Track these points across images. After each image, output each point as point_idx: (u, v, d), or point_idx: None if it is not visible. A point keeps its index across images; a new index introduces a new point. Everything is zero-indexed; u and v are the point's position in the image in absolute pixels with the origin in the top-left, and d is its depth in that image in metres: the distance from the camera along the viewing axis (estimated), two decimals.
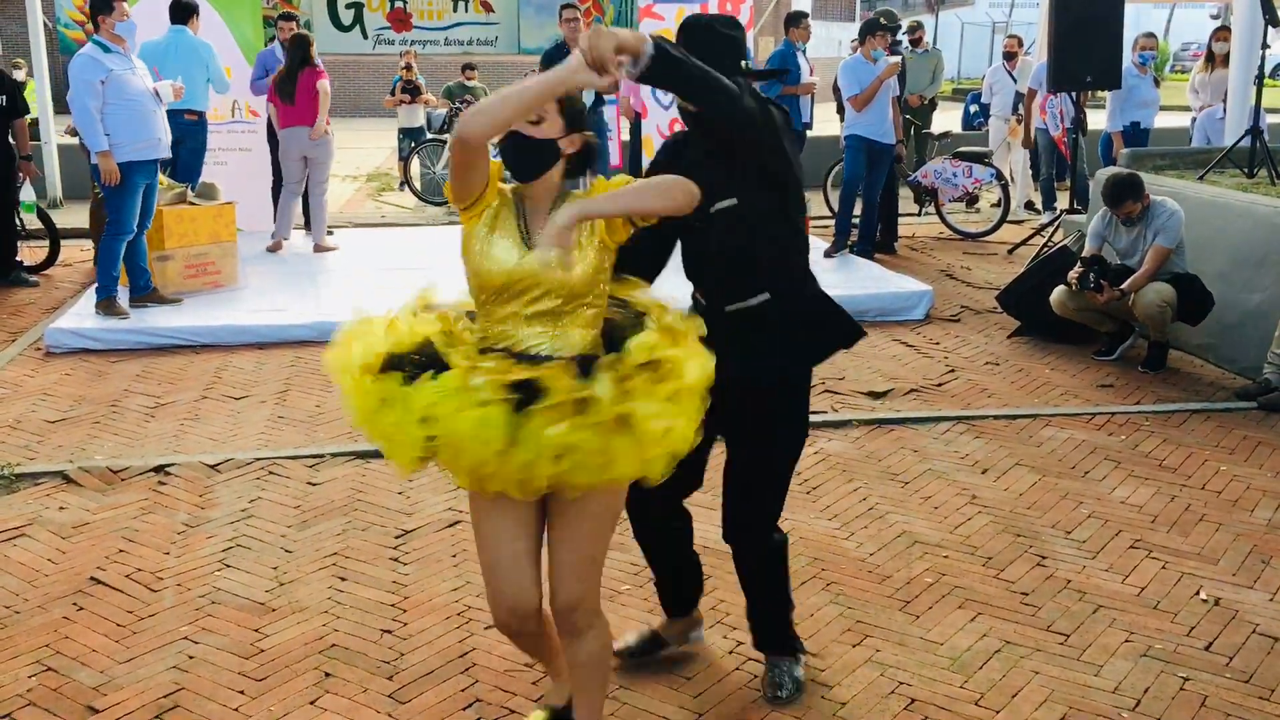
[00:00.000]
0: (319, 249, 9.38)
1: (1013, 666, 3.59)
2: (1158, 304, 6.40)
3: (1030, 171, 12.13)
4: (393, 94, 13.73)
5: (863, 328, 3.29)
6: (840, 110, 11.18)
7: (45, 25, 12.14)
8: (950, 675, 3.54)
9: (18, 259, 8.94)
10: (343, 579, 4.13)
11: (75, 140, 9.98)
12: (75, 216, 10.70)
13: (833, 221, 9.77)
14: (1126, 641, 3.74)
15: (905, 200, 10.91)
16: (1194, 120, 10.98)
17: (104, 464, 5.14)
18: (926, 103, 12.60)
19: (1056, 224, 9.40)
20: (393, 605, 3.94)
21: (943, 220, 10.89)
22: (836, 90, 10.53)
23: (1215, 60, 10.58)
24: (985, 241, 10.57)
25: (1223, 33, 10.54)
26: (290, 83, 9.08)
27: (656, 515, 3.38)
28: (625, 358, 2.58)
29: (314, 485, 4.96)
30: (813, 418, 3.46)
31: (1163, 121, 11.69)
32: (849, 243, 9.35)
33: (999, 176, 10.79)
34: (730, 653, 3.65)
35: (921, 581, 4.13)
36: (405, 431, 2.57)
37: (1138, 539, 4.48)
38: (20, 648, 3.67)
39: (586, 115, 2.87)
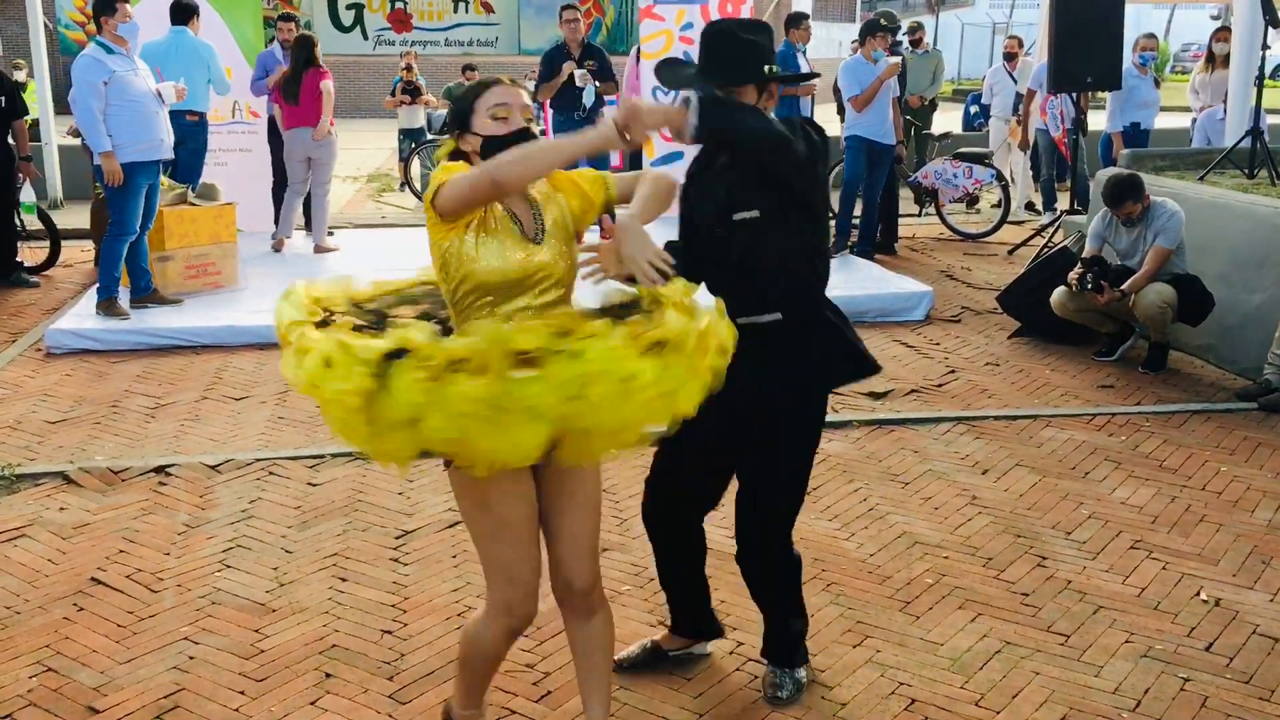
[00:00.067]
0: (319, 250, 9.39)
1: (1013, 667, 3.59)
2: (1158, 305, 6.40)
3: (1030, 172, 12.13)
4: (393, 95, 13.73)
5: (876, 362, 3.26)
6: (840, 111, 11.18)
7: (46, 26, 12.15)
8: (951, 676, 3.54)
9: (18, 260, 8.94)
10: (343, 579, 4.13)
11: (77, 141, 10.01)
12: (76, 217, 10.70)
13: (833, 222, 9.78)
14: (1127, 642, 3.74)
15: (905, 201, 10.91)
16: (1194, 121, 10.99)
17: (104, 464, 5.14)
18: (927, 103, 12.60)
19: (1057, 225, 9.40)
20: (393, 606, 3.95)
21: (943, 221, 10.88)
22: (837, 91, 10.53)
23: (1215, 61, 10.58)
24: (985, 242, 10.57)
25: (1223, 33, 10.54)
26: (295, 83, 9.09)
27: (677, 527, 3.37)
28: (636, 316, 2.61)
29: (314, 486, 4.96)
30: None
31: (1163, 122, 11.69)
32: (849, 243, 9.35)
33: (999, 177, 10.79)
34: (730, 653, 3.65)
35: (922, 582, 4.13)
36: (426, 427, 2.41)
37: (1138, 540, 4.48)
38: (21, 648, 3.67)
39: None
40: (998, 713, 3.36)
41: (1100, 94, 10.73)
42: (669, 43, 9.49)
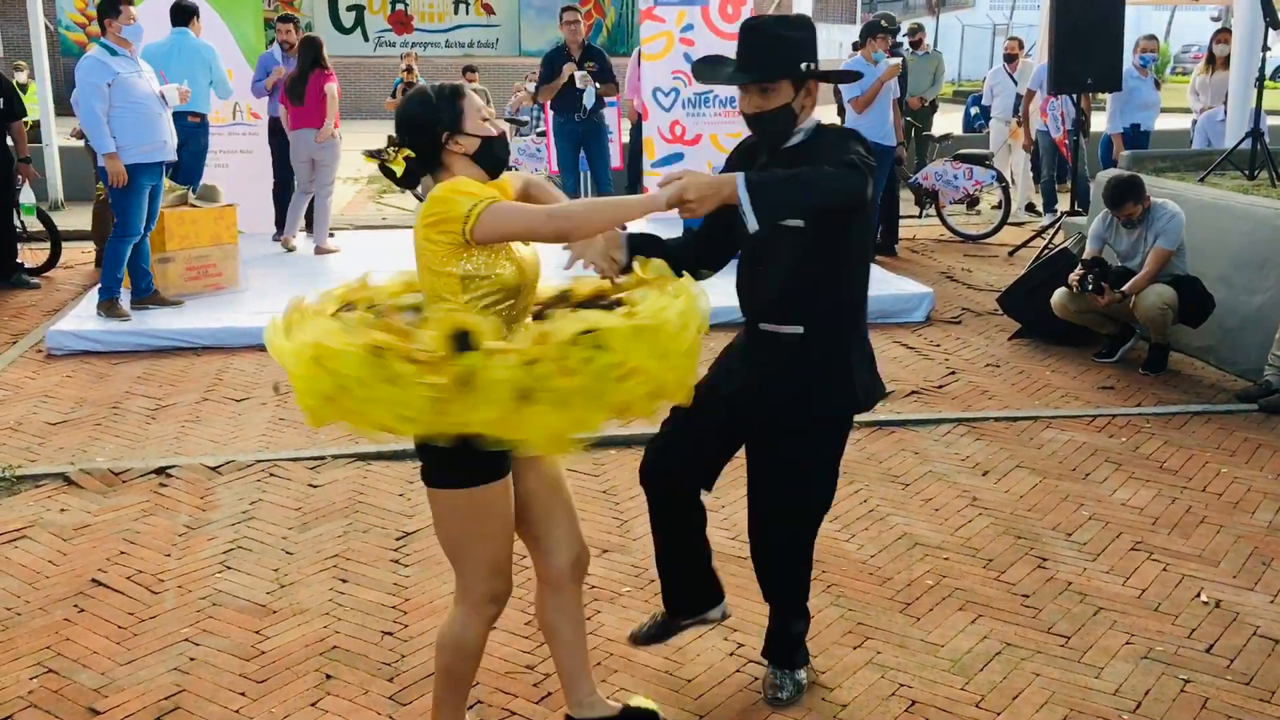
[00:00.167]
0: (320, 251, 9.40)
1: (1013, 668, 3.59)
2: (1159, 306, 6.40)
3: (1031, 174, 12.13)
4: (394, 96, 13.74)
5: (884, 388, 3.26)
6: (841, 112, 11.19)
7: (46, 27, 12.15)
8: (951, 677, 3.54)
9: (18, 261, 8.94)
10: (344, 581, 4.13)
11: (78, 142, 10.02)
12: (76, 218, 10.71)
13: None
14: (1127, 644, 3.74)
15: (906, 202, 10.91)
16: (1194, 122, 10.99)
17: (105, 466, 5.14)
18: (927, 105, 12.61)
19: (1057, 226, 9.40)
20: (394, 607, 3.95)
21: (943, 222, 10.89)
22: (837, 92, 10.55)
23: (1216, 62, 10.58)
24: (986, 243, 10.57)
25: (1223, 35, 10.55)
26: (300, 84, 9.09)
27: (678, 503, 3.30)
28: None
29: (315, 487, 4.96)
30: None
31: (1163, 124, 11.70)
32: None
33: (1000, 179, 10.80)
34: (731, 654, 3.65)
35: (922, 583, 4.13)
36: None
37: (1139, 541, 4.48)
38: (21, 649, 3.67)
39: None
40: (998, 714, 3.36)
41: (1100, 95, 10.73)
42: (669, 44, 9.50)
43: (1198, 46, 31.22)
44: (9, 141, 8.77)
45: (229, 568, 4.23)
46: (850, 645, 3.71)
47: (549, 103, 9.85)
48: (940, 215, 10.89)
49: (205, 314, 7.42)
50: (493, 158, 2.81)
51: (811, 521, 3.29)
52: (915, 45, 12.74)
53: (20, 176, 8.88)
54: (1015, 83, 12.24)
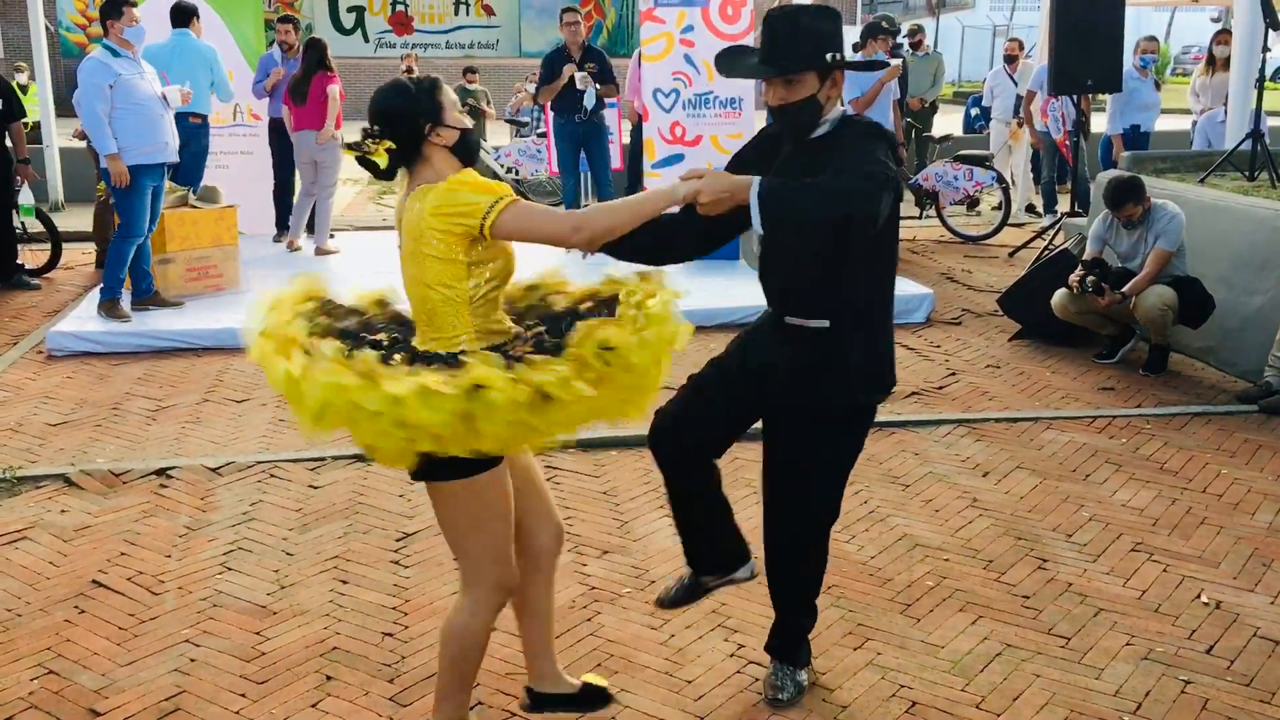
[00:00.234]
0: (320, 252, 9.40)
1: (1014, 670, 3.59)
2: (1159, 307, 6.40)
3: (1031, 175, 12.14)
4: None
5: (894, 379, 3.27)
6: None
7: (47, 28, 12.15)
8: (951, 678, 3.54)
9: (19, 262, 8.94)
10: (344, 582, 4.13)
11: (78, 143, 10.02)
12: (77, 219, 10.72)
13: None
14: (1128, 645, 3.74)
15: (906, 203, 10.91)
16: (1194, 123, 10.99)
17: (105, 467, 5.14)
18: (927, 106, 12.62)
19: (1057, 227, 9.41)
20: (394, 608, 3.95)
21: (943, 223, 10.89)
22: None
23: (1216, 63, 10.59)
24: (986, 244, 10.57)
25: (1223, 36, 10.55)
26: (304, 86, 9.10)
27: (687, 465, 3.26)
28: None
29: (315, 488, 4.97)
30: None
31: (1163, 125, 11.70)
32: None
33: (1000, 179, 10.80)
34: (731, 655, 3.65)
35: (923, 584, 4.13)
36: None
37: (1139, 542, 4.48)
38: (22, 651, 3.67)
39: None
40: (998, 715, 3.36)
41: (1100, 96, 10.73)
42: (669, 45, 9.49)
43: (1198, 48, 31.21)
44: (8, 143, 8.77)
45: (229, 569, 4.23)
46: (851, 646, 3.71)
47: (549, 104, 9.85)
48: (940, 216, 10.90)
49: (206, 315, 7.42)
50: (469, 149, 2.87)
51: (811, 523, 3.27)
52: (915, 46, 12.75)
53: (19, 178, 8.89)
54: (1015, 84, 12.25)
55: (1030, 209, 12.10)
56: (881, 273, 3.14)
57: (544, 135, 12.02)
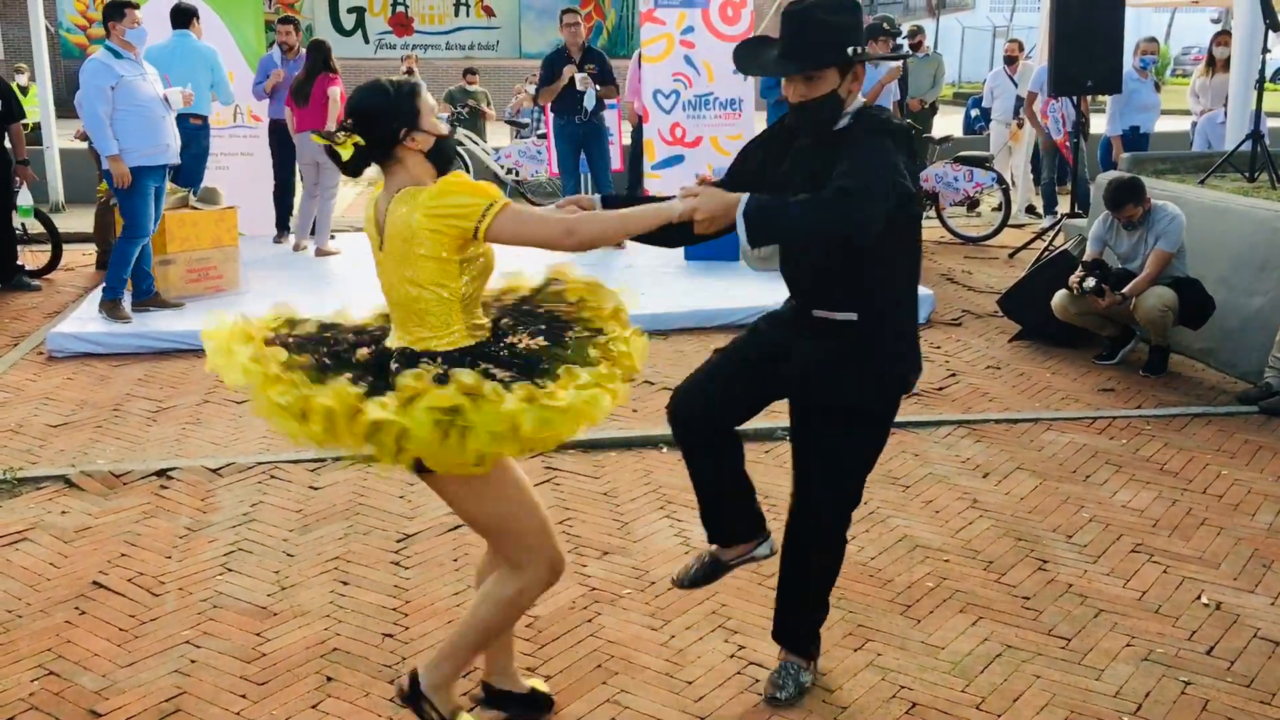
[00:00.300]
0: (321, 253, 9.40)
1: (1014, 670, 3.59)
2: (1159, 308, 6.40)
3: (1031, 176, 12.14)
4: None
5: (921, 366, 3.27)
6: None
7: (47, 29, 12.16)
8: (951, 679, 3.54)
9: (19, 263, 8.95)
10: (344, 583, 4.13)
11: (79, 144, 10.03)
12: (77, 220, 10.72)
13: None
14: (1128, 646, 3.74)
15: None
16: (1194, 124, 11.00)
17: (106, 468, 5.14)
18: (927, 107, 12.61)
19: (1057, 228, 9.41)
20: (394, 609, 3.95)
21: (944, 224, 10.89)
22: None
23: (1216, 64, 10.60)
24: (986, 245, 10.58)
25: (1223, 37, 10.55)
26: (307, 87, 9.11)
27: (703, 437, 3.26)
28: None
29: (315, 489, 4.97)
30: None
31: (1163, 126, 11.70)
32: None
33: (1000, 180, 10.80)
34: (732, 656, 3.65)
35: (923, 585, 4.13)
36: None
37: (1139, 543, 4.49)
38: (22, 652, 3.67)
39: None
40: (999, 716, 3.36)
41: (1100, 97, 10.74)
42: (669, 46, 9.50)
43: (1198, 49, 31.20)
44: (7, 144, 8.77)
45: (230, 570, 4.23)
46: (851, 647, 3.71)
47: (549, 105, 9.86)
48: (940, 217, 10.90)
49: (206, 316, 7.39)
50: (444, 155, 2.90)
51: (812, 521, 3.28)
52: (915, 47, 12.75)
53: (18, 179, 8.89)
54: (1015, 85, 12.25)
55: (1030, 210, 12.10)
56: (908, 265, 3.14)
57: (544, 136, 12.03)
